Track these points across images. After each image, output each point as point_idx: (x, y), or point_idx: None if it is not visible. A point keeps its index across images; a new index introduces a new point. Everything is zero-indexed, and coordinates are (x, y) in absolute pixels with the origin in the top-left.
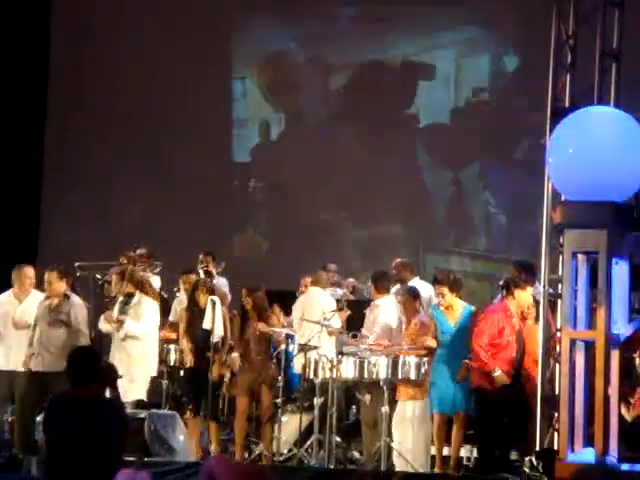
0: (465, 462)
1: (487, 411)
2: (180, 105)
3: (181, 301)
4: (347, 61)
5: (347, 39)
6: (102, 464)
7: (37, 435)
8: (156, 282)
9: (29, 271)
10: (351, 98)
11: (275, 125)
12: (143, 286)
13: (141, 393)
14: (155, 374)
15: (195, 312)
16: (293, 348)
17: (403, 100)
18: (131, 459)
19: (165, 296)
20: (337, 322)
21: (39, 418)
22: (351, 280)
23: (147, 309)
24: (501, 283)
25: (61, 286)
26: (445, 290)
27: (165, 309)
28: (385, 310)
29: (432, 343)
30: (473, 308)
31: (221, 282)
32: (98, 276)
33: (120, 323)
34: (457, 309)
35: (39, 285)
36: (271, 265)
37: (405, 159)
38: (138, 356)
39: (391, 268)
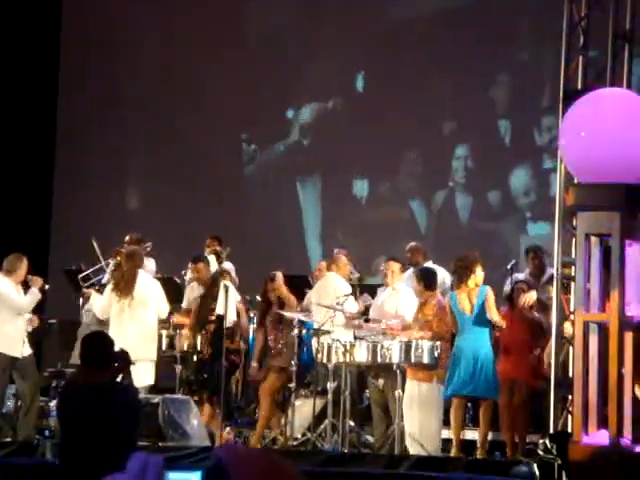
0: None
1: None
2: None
3: (193, 288)
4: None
5: None
6: (115, 449)
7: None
8: (151, 264)
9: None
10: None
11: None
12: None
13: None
14: None
15: (209, 300)
16: (308, 333)
17: None
18: (145, 444)
19: (177, 281)
20: (353, 306)
21: (53, 403)
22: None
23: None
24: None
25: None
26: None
27: (178, 294)
28: (405, 294)
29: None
30: (487, 288)
31: (228, 267)
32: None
33: None
34: (472, 292)
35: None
36: (281, 249)
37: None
38: None
39: (404, 252)
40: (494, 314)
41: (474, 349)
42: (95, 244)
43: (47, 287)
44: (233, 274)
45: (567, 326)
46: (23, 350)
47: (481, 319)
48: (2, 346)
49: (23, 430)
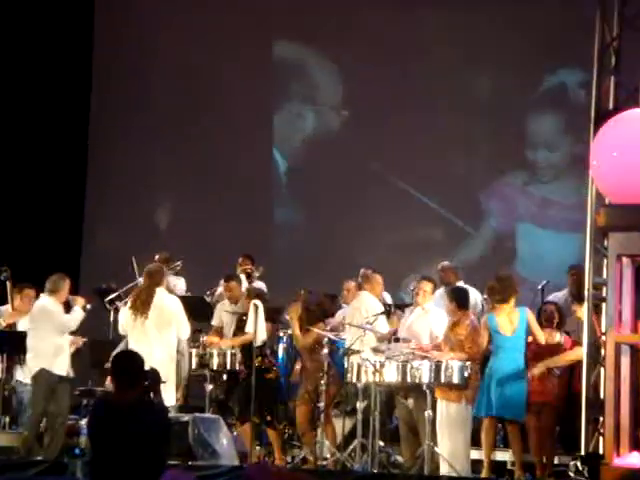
0: (509, 466)
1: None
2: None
3: (223, 305)
4: None
5: None
6: (146, 467)
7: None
8: (180, 283)
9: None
10: None
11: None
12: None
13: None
14: None
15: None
16: (338, 352)
17: None
18: (175, 462)
19: (208, 300)
20: (385, 326)
21: (83, 422)
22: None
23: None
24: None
25: None
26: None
27: (208, 313)
28: (435, 314)
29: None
30: (527, 310)
31: (259, 286)
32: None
33: None
34: (512, 313)
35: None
36: (309, 268)
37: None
38: None
39: (437, 271)
40: (540, 335)
41: (509, 371)
42: (135, 263)
43: (89, 306)
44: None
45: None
46: (69, 370)
47: (520, 341)
48: (50, 364)
49: (52, 450)
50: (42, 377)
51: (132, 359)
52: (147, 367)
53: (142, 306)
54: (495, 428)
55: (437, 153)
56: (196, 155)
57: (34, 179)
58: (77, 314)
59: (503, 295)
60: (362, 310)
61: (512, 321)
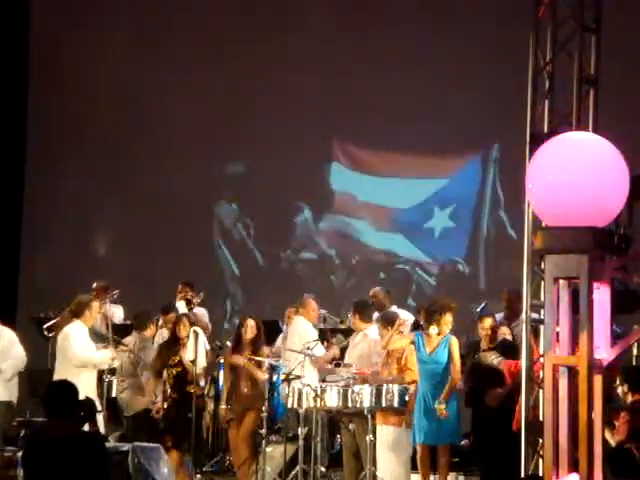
0: None
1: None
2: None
3: (162, 335)
4: None
5: None
6: None
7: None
8: (119, 312)
9: None
10: None
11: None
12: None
13: None
14: None
15: (175, 346)
16: (277, 378)
17: None
18: None
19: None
20: (320, 351)
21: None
22: (322, 311)
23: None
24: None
25: None
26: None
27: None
28: (374, 338)
29: (414, 375)
30: (451, 337)
31: (201, 312)
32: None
33: None
34: (435, 338)
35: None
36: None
37: None
38: None
39: (369, 297)
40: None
41: (433, 394)
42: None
43: None
44: (206, 319)
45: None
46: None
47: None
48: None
49: None
50: None
51: (66, 389)
52: (82, 397)
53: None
54: (429, 453)
55: None
56: (136, 180)
57: None
58: None
59: (428, 318)
60: (295, 336)
61: (433, 343)
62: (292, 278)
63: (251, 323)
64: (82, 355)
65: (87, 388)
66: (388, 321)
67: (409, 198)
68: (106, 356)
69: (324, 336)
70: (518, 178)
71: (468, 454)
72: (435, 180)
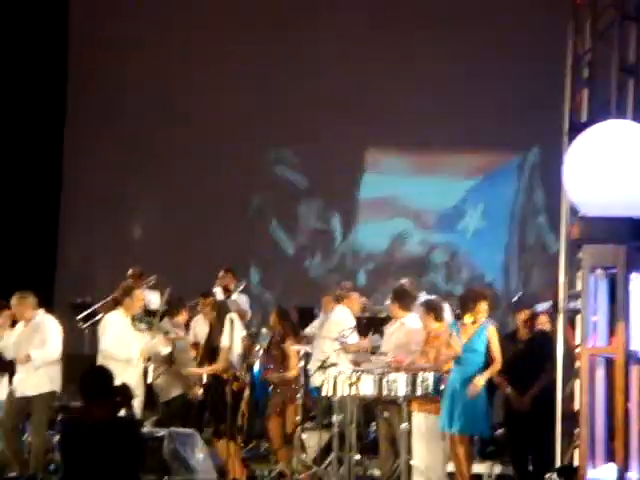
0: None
1: None
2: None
3: (197, 321)
4: None
5: None
6: None
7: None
8: (154, 298)
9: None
10: None
11: None
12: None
13: None
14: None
15: (215, 332)
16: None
17: None
18: (150, 478)
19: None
20: (354, 339)
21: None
22: (363, 299)
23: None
24: None
25: None
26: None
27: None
28: (410, 326)
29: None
30: (489, 326)
31: (242, 300)
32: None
33: None
34: (470, 327)
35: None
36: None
37: None
38: None
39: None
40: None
41: (462, 383)
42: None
43: None
44: (246, 307)
45: None
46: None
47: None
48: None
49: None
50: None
51: (100, 375)
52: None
53: None
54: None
55: None
56: (170, 169)
57: (8, 194)
58: None
59: (463, 306)
60: (332, 324)
61: (468, 333)
62: (324, 276)
63: (273, 316)
64: (108, 351)
65: (128, 377)
66: (431, 307)
67: (445, 199)
68: (133, 355)
69: (364, 328)
70: (555, 175)
71: (504, 444)
72: (469, 180)
